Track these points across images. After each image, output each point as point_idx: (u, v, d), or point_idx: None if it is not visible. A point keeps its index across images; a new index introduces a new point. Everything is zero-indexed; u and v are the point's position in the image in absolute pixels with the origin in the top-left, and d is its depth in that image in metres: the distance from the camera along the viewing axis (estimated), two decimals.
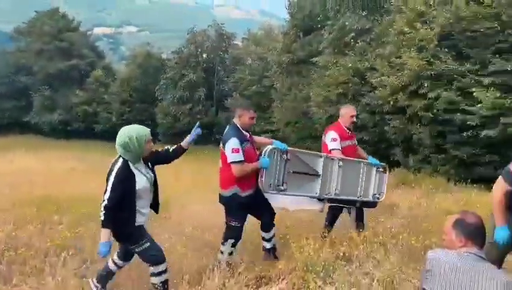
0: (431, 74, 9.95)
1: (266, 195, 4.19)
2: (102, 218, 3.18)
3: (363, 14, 14.44)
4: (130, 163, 3.30)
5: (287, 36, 20.84)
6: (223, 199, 4.09)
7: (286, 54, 20.02)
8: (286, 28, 22.19)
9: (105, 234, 3.21)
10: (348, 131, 4.83)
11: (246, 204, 4.03)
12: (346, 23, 14.49)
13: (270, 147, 4.01)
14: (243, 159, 3.87)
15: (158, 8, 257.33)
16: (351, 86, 13.60)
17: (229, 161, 3.91)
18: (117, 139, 3.29)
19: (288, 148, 4.11)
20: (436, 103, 9.91)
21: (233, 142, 3.91)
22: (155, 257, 3.44)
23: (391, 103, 11.08)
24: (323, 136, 4.86)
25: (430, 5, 10.71)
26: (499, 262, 3.41)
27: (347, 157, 4.57)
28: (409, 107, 10.62)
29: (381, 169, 4.81)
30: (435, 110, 9.95)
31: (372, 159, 4.81)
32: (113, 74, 37.33)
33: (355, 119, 4.86)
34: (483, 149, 9.34)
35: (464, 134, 9.39)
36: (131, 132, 3.29)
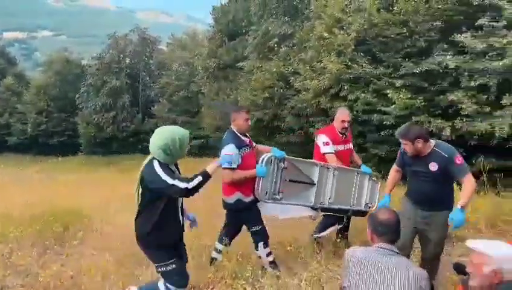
0: (350, 77, 10.47)
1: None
2: (201, 180, 2.95)
3: (285, 20, 14.92)
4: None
5: (212, 41, 20.86)
6: (227, 206, 4.04)
7: (212, 58, 20.02)
8: (211, 33, 22.19)
9: (216, 164, 3.20)
10: (341, 135, 4.66)
11: (251, 208, 3.97)
12: (270, 28, 14.81)
13: (268, 155, 3.88)
14: (234, 166, 3.72)
15: (76, 12, 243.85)
16: (277, 90, 13.91)
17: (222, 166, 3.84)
18: (155, 140, 2.99)
19: (286, 156, 3.99)
20: (356, 104, 10.43)
21: (228, 149, 3.79)
22: (179, 281, 3.17)
23: (315, 105, 11.49)
24: (315, 139, 4.75)
25: (347, 12, 11.27)
26: (408, 245, 3.62)
27: (342, 166, 4.47)
28: (331, 109, 11.08)
29: (374, 178, 4.75)
30: (354, 112, 10.47)
31: (365, 168, 4.69)
32: (27, 81, 34.74)
33: (346, 125, 4.63)
34: (399, 146, 9.98)
35: (382, 133, 9.98)
36: (174, 134, 3.01)
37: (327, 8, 11.81)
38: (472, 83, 8.70)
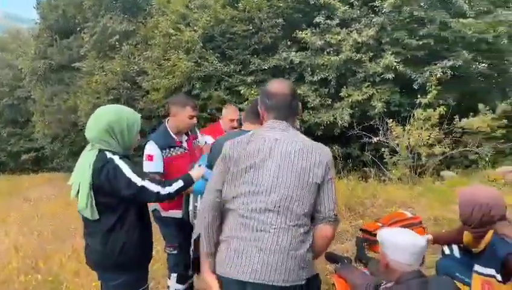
0: (201, 75, 10.16)
1: None
2: (182, 185, 2.30)
3: (125, 17, 13.83)
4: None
5: (40, 40, 18.24)
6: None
7: (41, 59, 17.47)
8: (38, 30, 19.40)
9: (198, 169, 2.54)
10: None
11: (168, 224, 3.06)
12: (108, 25, 13.54)
13: (201, 165, 2.87)
14: (158, 170, 2.90)
15: None
16: (123, 92, 12.82)
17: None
18: (97, 121, 2.19)
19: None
20: (209, 102, 10.19)
21: (148, 148, 2.95)
22: None
23: (167, 106, 10.86)
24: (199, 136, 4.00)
25: (191, 8, 10.92)
26: None
27: None
28: None
29: None
30: (208, 110, 10.21)
31: None
32: None
33: (236, 124, 3.98)
34: None
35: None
36: (119, 112, 2.23)
37: (170, 4, 11.28)
38: (315, 78, 9.29)
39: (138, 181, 2.14)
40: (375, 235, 4.27)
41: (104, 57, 14.04)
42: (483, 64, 9.20)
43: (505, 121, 8.34)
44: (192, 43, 10.28)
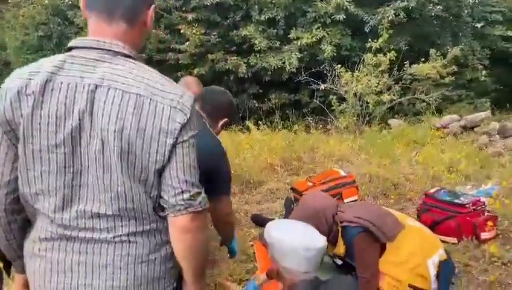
0: None
1: None
2: None
3: None
4: None
5: None
6: None
7: None
8: None
9: None
10: None
11: None
12: None
13: None
14: None
15: None
16: (54, 27, 11.53)
17: None
18: None
19: None
20: (148, 41, 9.29)
21: None
22: None
23: None
24: None
25: None
26: None
27: None
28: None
29: None
30: (147, 51, 9.34)
31: None
32: None
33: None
34: None
35: (179, 74, 9.21)
36: None
37: None
38: (262, 17, 8.56)
39: None
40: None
41: None
42: (439, 7, 8.75)
43: (454, 67, 8.09)
44: None
